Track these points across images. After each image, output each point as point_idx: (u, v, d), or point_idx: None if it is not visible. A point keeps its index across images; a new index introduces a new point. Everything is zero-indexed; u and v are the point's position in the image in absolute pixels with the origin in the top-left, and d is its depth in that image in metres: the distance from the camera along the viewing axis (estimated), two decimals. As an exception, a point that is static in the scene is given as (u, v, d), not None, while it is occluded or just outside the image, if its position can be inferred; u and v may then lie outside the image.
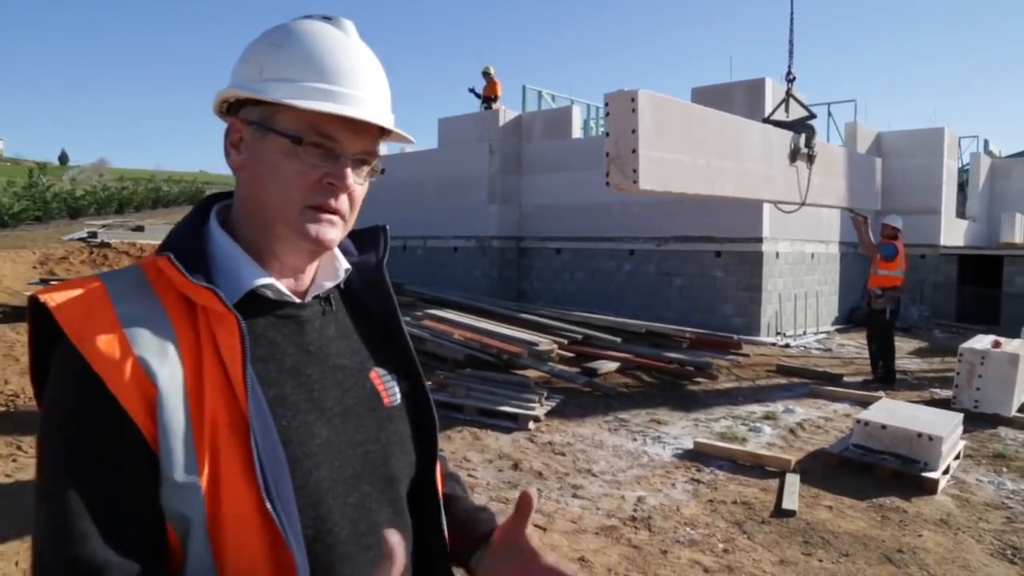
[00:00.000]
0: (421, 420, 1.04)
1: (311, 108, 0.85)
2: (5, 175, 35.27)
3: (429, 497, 1.04)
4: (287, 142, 0.87)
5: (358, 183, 0.93)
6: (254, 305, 0.90)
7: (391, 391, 1.01)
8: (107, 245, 18.09)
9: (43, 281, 12.77)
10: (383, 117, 0.92)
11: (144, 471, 0.78)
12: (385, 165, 0.98)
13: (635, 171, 4.93)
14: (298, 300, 0.95)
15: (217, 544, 0.80)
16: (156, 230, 22.53)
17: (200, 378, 0.81)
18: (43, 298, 0.80)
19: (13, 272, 14.03)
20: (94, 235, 20.30)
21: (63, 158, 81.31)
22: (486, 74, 16.31)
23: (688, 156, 5.46)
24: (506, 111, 14.78)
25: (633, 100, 4.95)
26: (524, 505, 0.97)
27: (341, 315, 1.02)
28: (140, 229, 22.29)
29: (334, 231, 0.92)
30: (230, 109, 0.93)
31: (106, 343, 0.78)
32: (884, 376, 8.49)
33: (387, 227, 1.11)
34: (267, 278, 0.91)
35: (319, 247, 0.92)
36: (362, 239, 1.09)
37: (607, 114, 5.14)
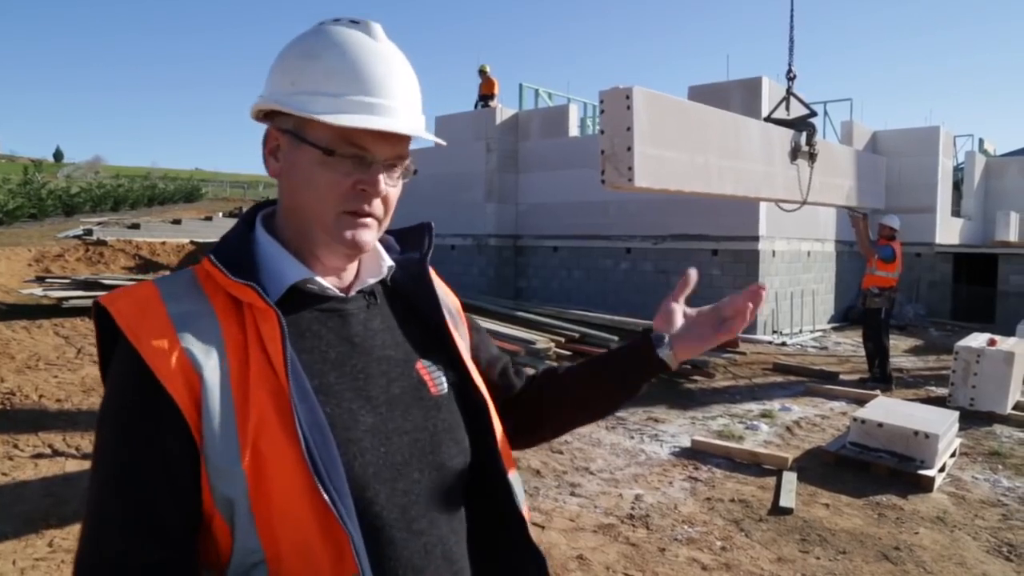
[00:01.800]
0: (472, 408, 1.06)
1: (341, 124, 0.88)
2: (0, 172, 35.14)
3: (495, 479, 1.06)
4: (319, 153, 0.91)
5: (391, 186, 0.96)
6: (299, 300, 0.95)
7: (438, 381, 1.04)
8: (103, 243, 18.03)
9: (39, 279, 12.72)
10: (412, 125, 0.95)
11: (189, 458, 0.84)
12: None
13: (630, 169, 4.87)
14: (342, 294, 0.99)
15: (265, 525, 0.84)
16: (152, 227, 22.48)
17: (246, 370, 0.87)
18: (104, 302, 0.89)
19: (8, 270, 13.97)
20: (90, 232, 20.23)
21: (58, 155, 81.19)
22: (482, 72, 16.30)
23: (686, 154, 5.41)
24: (503, 109, 14.77)
25: (628, 97, 4.90)
26: (683, 284, 1.20)
27: (386, 309, 1.06)
28: (136, 227, 22.21)
29: (369, 233, 0.96)
30: (266, 116, 0.97)
31: (157, 339, 0.85)
32: (880, 376, 8.46)
33: (432, 224, 1.16)
34: (308, 274, 0.95)
35: (355, 250, 0.96)
36: (408, 236, 1.15)
37: (602, 111, 5.09)
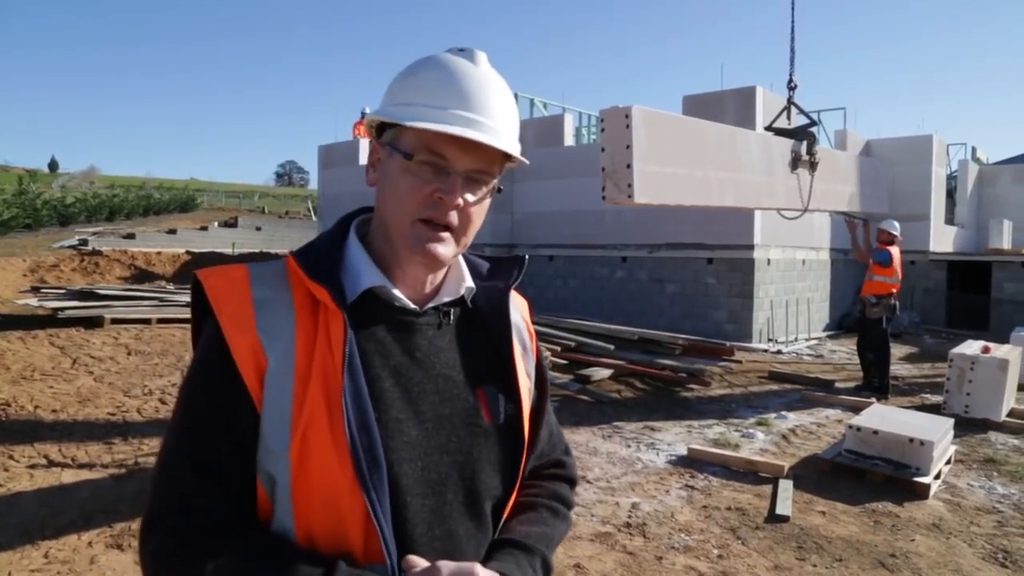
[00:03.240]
0: (517, 445, 1.06)
1: (420, 127, 0.92)
2: (-6, 182, 35.04)
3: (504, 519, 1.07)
4: (402, 159, 0.95)
5: (470, 201, 0.98)
6: (372, 306, 0.99)
7: (495, 410, 1.04)
8: (98, 253, 18.03)
9: (34, 289, 12.69)
10: (493, 136, 0.96)
11: (247, 430, 0.91)
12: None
13: (630, 185, 4.99)
14: (415, 308, 1.01)
15: (302, 511, 0.90)
16: (147, 237, 22.48)
17: (310, 364, 0.91)
18: (200, 276, 0.97)
19: (3, 280, 13.95)
20: (85, 243, 20.23)
21: (53, 165, 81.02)
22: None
23: (685, 169, 5.51)
24: (498, 119, 14.80)
25: (627, 116, 5.02)
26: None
27: (460, 330, 1.06)
28: (131, 237, 22.23)
29: (443, 246, 0.98)
30: (378, 134, 1.02)
31: (238, 318, 0.93)
32: (880, 387, 8.27)
33: (526, 259, 1.16)
34: (382, 280, 0.99)
35: (427, 259, 0.98)
36: (500, 266, 1.15)
37: (602, 130, 5.19)
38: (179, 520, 0.88)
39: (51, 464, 5.08)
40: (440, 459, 0.97)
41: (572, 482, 1.23)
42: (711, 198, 5.84)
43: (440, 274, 1.05)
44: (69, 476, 4.88)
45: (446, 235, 0.97)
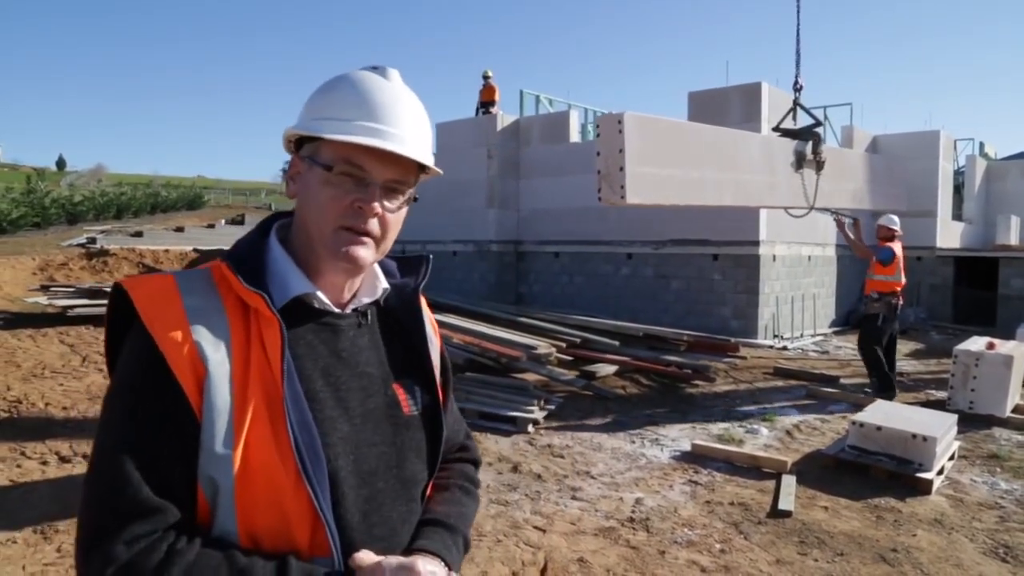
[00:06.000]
0: (434, 432, 1.15)
1: (339, 140, 0.98)
2: (3, 181, 35.26)
3: None
4: (323, 171, 1.00)
5: (389, 210, 1.04)
6: (298, 310, 1.03)
7: (411, 402, 1.12)
8: (106, 251, 18.13)
9: (43, 287, 12.80)
10: (407, 147, 1.02)
11: (189, 437, 0.92)
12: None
13: (623, 187, 5.26)
14: (337, 310, 1.07)
15: (245, 512, 0.93)
16: (155, 235, 22.57)
17: (247, 368, 0.95)
18: (126, 285, 0.97)
19: (13, 279, 14.06)
20: (93, 241, 20.33)
21: (61, 163, 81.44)
22: (486, 77, 16.39)
23: (679, 170, 5.75)
24: (504, 116, 14.85)
25: (620, 122, 5.29)
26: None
27: (375, 329, 1.13)
28: (139, 235, 22.32)
29: (364, 251, 1.03)
30: (296, 149, 1.07)
31: (171, 327, 0.93)
32: (880, 386, 7.91)
33: (431, 257, 1.24)
34: (311, 288, 1.03)
35: (350, 264, 1.03)
36: (407, 265, 1.22)
37: (597, 135, 5.49)
38: (139, 529, 0.88)
39: (62, 460, 5.15)
40: (369, 451, 1.03)
41: (476, 464, 1.34)
42: (708, 198, 6.07)
43: (356, 279, 1.11)
44: (80, 472, 4.95)
45: (367, 240, 1.03)
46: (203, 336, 0.94)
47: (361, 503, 1.00)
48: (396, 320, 1.17)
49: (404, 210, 1.08)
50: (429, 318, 1.23)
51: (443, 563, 1.03)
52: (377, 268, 1.15)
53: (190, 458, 0.92)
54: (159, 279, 0.99)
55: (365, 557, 0.95)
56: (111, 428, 0.94)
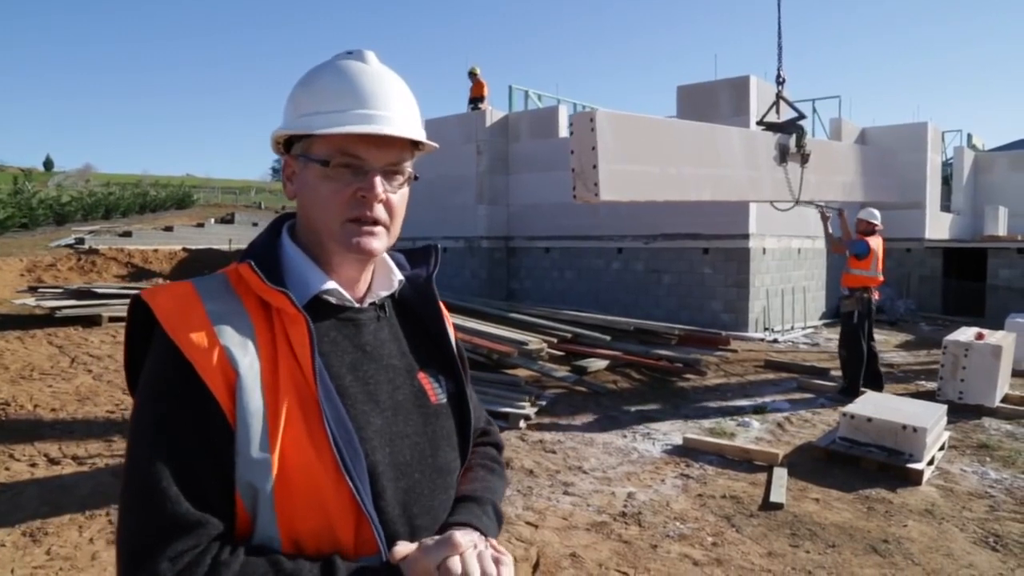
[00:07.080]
0: (462, 419, 1.15)
1: (331, 132, 0.96)
2: (-10, 182, 34.96)
3: None
4: (319, 166, 0.99)
5: (391, 192, 1.03)
6: (319, 307, 1.02)
7: (438, 391, 1.12)
8: (95, 251, 18.01)
9: (31, 289, 12.70)
10: (400, 128, 1.01)
11: (224, 445, 0.90)
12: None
13: (596, 184, 5.28)
14: (357, 305, 1.07)
15: (285, 515, 0.91)
16: (144, 235, 22.44)
17: (276, 369, 0.94)
18: (145, 296, 0.95)
19: (1, 280, 13.95)
20: (81, 241, 20.21)
21: (48, 164, 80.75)
22: (472, 74, 16.30)
23: (656, 167, 5.78)
24: (493, 111, 14.81)
25: (592, 120, 5.31)
26: None
27: (394, 321, 1.13)
28: (128, 235, 22.19)
29: (375, 240, 1.02)
30: (286, 149, 1.06)
31: (197, 335, 0.91)
32: (846, 389, 7.56)
33: (439, 246, 1.23)
34: (331, 284, 1.03)
35: (363, 255, 1.02)
36: (416, 256, 1.22)
37: (571, 134, 5.49)
38: (182, 545, 0.86)
39: (51, 462, 5.11)
40: (403, 443, 1.02)
41: (499, 447, 1.34)
42: (686, 193, 6.11)
43: (369, 271, 1.10)
44: (70, 473, 4.92)
45: (377, 229, 1.02)
46: (230, 340, 0.92)
47: (400, 495, 1.00)
48: (412, 311, 1.17)
49: (406, 190, 1.07)
50: (443, 309, 1.23)
51: (478, 532, 1.02)
52: (390, 261, 1.14)
53: (227, 466, 0.90)
54: (178, 286, 0.98)
55: (403, 548, 0.93)
56: (143, 442, 0.91)
